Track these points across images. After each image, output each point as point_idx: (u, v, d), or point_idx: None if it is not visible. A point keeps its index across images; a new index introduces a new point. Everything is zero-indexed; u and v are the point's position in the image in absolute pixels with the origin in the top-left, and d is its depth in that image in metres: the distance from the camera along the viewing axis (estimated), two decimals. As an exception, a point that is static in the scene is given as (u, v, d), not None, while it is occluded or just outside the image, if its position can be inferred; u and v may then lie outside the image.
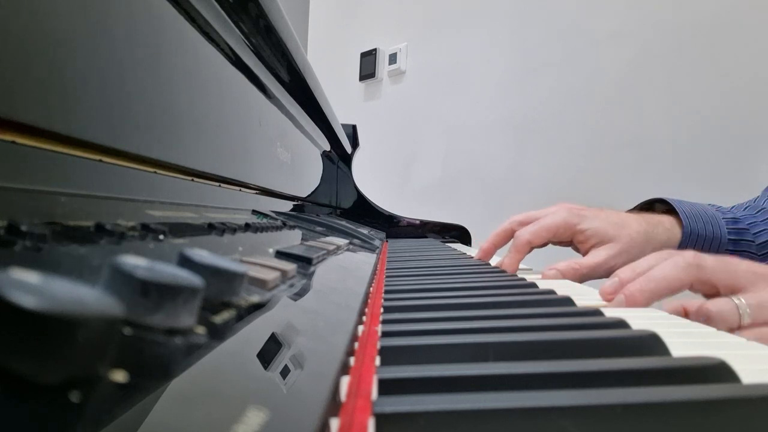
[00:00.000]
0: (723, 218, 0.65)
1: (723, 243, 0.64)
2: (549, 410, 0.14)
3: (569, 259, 0.57)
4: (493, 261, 0.66)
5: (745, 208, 0.68)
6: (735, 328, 0.36)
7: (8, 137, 0.18)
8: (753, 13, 1.07)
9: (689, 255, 0.39)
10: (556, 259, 0.57)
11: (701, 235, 0.63)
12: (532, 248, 0.61)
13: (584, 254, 0.61)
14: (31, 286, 0.08)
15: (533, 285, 0.39)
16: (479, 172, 1.60)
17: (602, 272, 0.58)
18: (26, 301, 0.07)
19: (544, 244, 0.63)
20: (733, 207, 0.69)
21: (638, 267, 0.40)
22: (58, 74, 0.20)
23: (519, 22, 1.51)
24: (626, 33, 1.26)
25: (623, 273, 0.40)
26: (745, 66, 1.08)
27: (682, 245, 0.62)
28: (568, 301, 0.32)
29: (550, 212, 0.62)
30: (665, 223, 0.63)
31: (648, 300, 0.37)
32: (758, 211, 0.66)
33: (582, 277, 0.57)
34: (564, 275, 0.55)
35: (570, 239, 0.62)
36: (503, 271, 0.52)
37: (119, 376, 0.09)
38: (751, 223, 0.66)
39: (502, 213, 0.65)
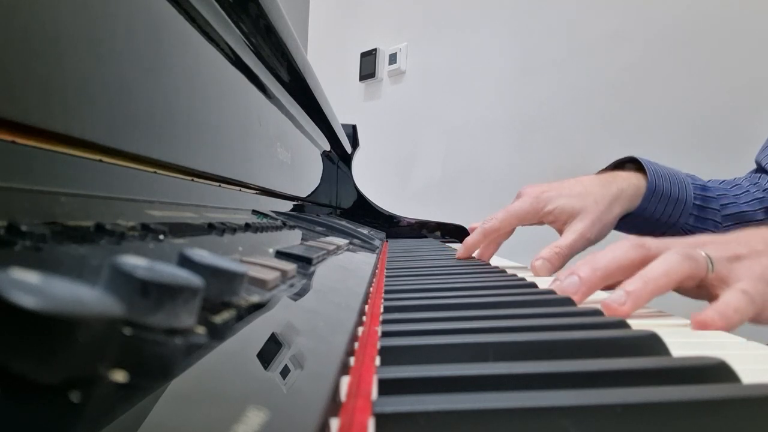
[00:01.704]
0: (693, 184, 0.66)
1: (687, 206, 0.66)
2: (549, 410, 0.14)
3: (549, 244, 0.59)
4: (494, 261, 0.66)
5: (722, 182, 0.70)
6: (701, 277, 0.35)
7: (8, 137, 0.18)
8: (753, 13, 1.07)
9: (631, 238, 0.38)
10: (540, 246, 0.59)
11: (665, 194, 0.64)
12: (500, 234, 0.64)
13: (559, 232, 0.62)
14: (31, 286, 0.08)
15: (533, 285, 0.39)
16: (479, 172, 1.60)
17: (581, 246, 0.60)
18: (26, 301, 0.07)
19: (512, 231, 0.66)
20: (710, 180, 0.71)
21: (597, 262, 0.37)
22: (58, 74, 0.20)
23: (519, 22, 1.51)
24: (626, 33, 1.26)
25: (582, 271, 0.37)
26: (746, 66, 1.08)
27: (645, 200, 0.64)
28: (568, 301, 0.32)
29: (517, 201, 0.65)
30: (632, 179, 0.65)
31: (599, 281, 0.36)
32: (733, 186, 0.68)
33: (566, 258, 0.58)
34: (551, 261, 0.57)
35: (539, 221, 0.64)
36: (503, 271, 0.52)
37: (119, 376, 0.09)
38: (721, 194, 0.68)
39: (501, 213, 0.66)
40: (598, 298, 0.37)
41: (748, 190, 0.67)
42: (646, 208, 0.64)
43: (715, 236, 0.39)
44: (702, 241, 0.38)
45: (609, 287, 0.38)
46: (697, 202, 0.66)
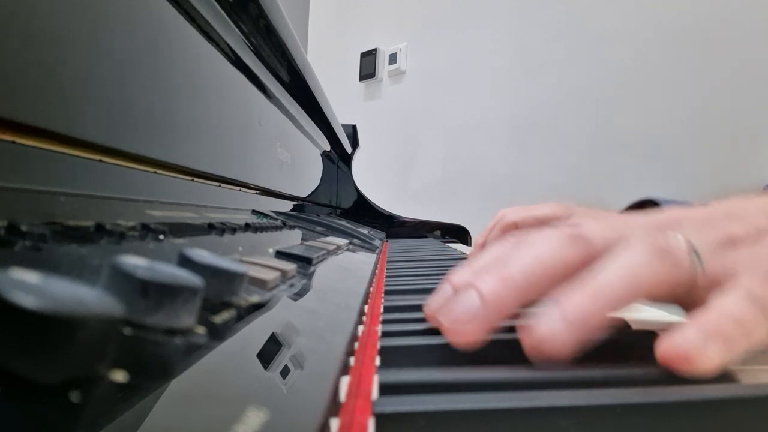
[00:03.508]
0: None
1: None
2: (549, 410, 0.14)
3: None
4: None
5: None
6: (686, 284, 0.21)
7: (8, 137, 0.18)
8: (753, 13, 1.07)
9: (564, 224, 0.24)
10: None
11: None
12: (516, 229, 0.61)
13: None
14: (31, 286, 0.08)
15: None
16: (479, 172, 1.60)
17: None
18: (26, 301, 0.07)
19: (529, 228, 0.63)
20: None
21: (510, 265, 0.22)
22: (58, 74, 0.20)
23: (519, 22, 1.51)
24: (626, 33, 1.26)
25: (455, 277, 0.24)
26: (746, 66, 1.08)
27: None
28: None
29: (540, 204, 0.63)
30: None
31: (515, 302, 0.21)
32: None
33: None
34: None
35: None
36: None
37: (119, 376, 0.09)
38: None
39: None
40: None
41: None
42: None
43: (690, 210, 0.26)
44: (673, 218, 0.25)
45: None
46: None
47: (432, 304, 0.24)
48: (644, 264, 0.20)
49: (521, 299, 0.21)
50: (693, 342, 0.17)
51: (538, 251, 0.22)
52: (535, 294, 0.21)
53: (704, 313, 0.19)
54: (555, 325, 0.19)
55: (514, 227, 0.60)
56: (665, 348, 0.17)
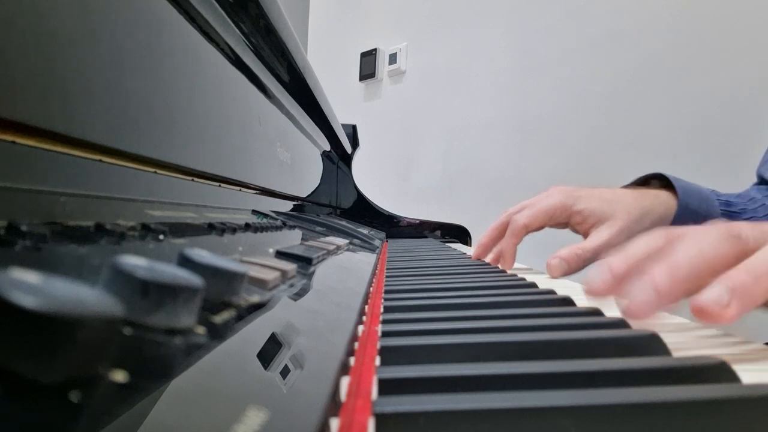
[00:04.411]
0: (717, 199, 0.65)
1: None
2: (549, 410, 0.14)
3: (571, 245, 0.56)
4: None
5: (737, 196, 0.69)
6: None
7: (8, 137, 0.18)
8: (753, 13, 1.07)
9: (719, 225, 0.28)
10: (557, 248, 0.57)
11: (696, 211, 0.62)
12: (528, 232, 0.60)
13: (584, 235, 0.60)
14: (31, 286, 0.08)
15: (533, 285, 0.39)
16: (479, 172, 1.60)
17: (607, 253, 0.57)
18: (26, 301, 0.07)
19: (540, 227, 0.62)
20: (725, 194, 0.70)
21: (631, 253, 0.29)
22: (58, 74, 0.20)
23: (519, 21, 1.51)
24: (626, 33, 1.26)
25: (614, 262, 0.29)
26: (746, 66, 1.08)
27: (677, 220, 0.61)
28: (567, 300, 0.32)
29: (544, 196, 0.62)
30: (662, 196, 0.62)
31: (682, 290, 0.25)
32: (749, 200, 0.67)
33: (586, 262, 0.55)
34: (568, 263, 0.54)
35: (566, 221, 0.61)
36: (503, 271, 0.52)
37: (119, 376, 0.09)
38: (742, 208, 0.65)
39: (502, 213, 0.65)
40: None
41: (764, 203, 0.65)
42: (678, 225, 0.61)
43: None
44: None
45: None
46: (725, 218, 0.64)
47: (593, 284, 0.28)
48: None
49: (686, 288, 0.25)
50: (717, 298, 0.22)
51: (701, 246, 0.26)
52: (698, 285, 0.25)
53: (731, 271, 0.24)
54: (720, 298, 0.23)
55: (525, 229, 0.60)
56: (695, 303, 0.22)
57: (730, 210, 0.65)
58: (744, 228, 0.27)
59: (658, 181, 0.67)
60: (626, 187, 0.68)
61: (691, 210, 0.62)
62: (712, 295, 0.23)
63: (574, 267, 0.55)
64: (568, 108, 1.38)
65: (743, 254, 0.25)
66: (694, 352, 0.23)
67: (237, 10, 0.43)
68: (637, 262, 0.27)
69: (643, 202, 0.60)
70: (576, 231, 0.63)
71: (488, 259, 0.63)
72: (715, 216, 0.63)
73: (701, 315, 0.23)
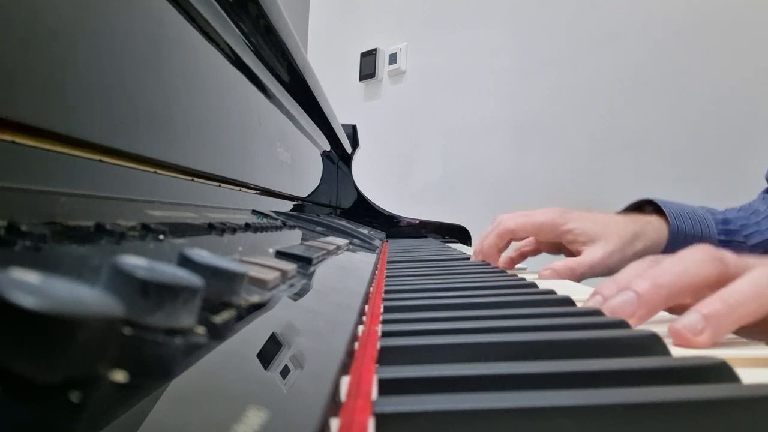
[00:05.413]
0: (713, 219, 0.65)
1: (712, 243, 0.64)
2: (549, 410, 0.14)
3: (565, 258, 0.57)
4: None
5: (740, 210, 0.68)
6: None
7: (8, 137, 0.18)
8: (753, 12, 1.07)
9: (705, 247, 0.30)
10: (552, 261, 0.57)
11: (689, 234, 0.62)
12: (513, 238, 0.61)
13: (575, 255, 0.60)
14: (31, 286, 0.08)
15: (533, 285, 0.39)
16: (479, 172, 1.60)
17: (599, 271, 0.57)
18: (26, 301, 0.07)
19: (525, 237, 0.63)
20: (726, 210, 0.69)
21: (660, 275, 0.29)
22: (58, 74, 0.20)
23: (519, 21, 1.51)
24: (626, 33, 1.26)
25: (604, 288, 0.31)
26: (746, 66, 1.08)
27: (669, 245, 0.62)
28: (567, 301, 0.32)
29: (539, 212, 0.63)
30: (653, 222, 0.63)
31: (663, 297, 0.28)
32: (752, 213, 0.66)
33: (579, 277, 0.56)
34: (560, 275, 0.55)
35: (557, 239, 0.62)
36: (503, 272, 0.52)
37: (119, 376, 0.09)
38: (742, 224, 0.65)
39: (501, 213, 0.65)
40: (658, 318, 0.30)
41: (767, 216, 0.65)
42: (672, 251, 0.62)
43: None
44: None
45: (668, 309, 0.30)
46: (722, 237, 0.64)
47: (596, 295, 0.31)
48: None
49: (667, 297, 0.28)
50: (692, 325, 0.24)
51: (686, 263, 0.29)
52: (678, 300, 0.28)
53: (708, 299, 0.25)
54: (695, 325, 0.25)
55: (511, 234, 0.61)
56: (673, 327, 0.25)
57: (728, 228, 0.65)
58: (727, 253, 0.30)
59: (650, 206, 0.67)
60: (619, 213, 0.68)
61: (684, 233, 0.62)
62: (688, 321, 0.25)
63: (566, 279, 0.55)
64: (567, 108, 1.38)
65: (724, 277, 0.28)
66: (695, 352, 0.23)
67: (237, 10, 0.43)
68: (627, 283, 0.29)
69: (634, 226, 0.61)
70: (567, 251, 0.63)
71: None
72: (711, 236, 0.63)
73: (677, 339, 0.25)
